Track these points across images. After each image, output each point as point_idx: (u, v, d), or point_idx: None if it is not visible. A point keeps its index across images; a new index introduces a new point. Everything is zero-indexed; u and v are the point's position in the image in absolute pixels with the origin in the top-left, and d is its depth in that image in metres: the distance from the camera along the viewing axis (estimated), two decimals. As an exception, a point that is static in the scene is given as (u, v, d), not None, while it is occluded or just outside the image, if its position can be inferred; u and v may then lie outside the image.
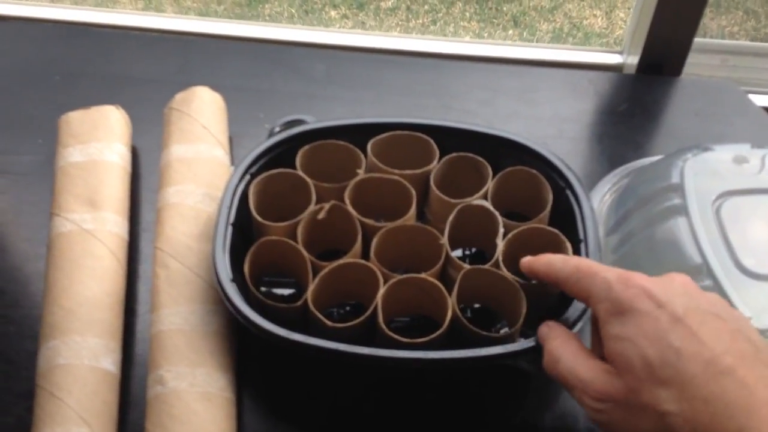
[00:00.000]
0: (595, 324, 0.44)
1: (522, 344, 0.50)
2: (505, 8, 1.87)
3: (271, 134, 0.63)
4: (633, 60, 0.88)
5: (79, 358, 0.50)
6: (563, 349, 0.44)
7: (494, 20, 1.85)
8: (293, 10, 1.85)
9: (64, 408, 0.48)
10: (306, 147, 0.61)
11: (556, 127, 0.73)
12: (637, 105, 0.75)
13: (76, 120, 0.64)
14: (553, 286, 0.49)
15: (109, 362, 0.52)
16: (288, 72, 0.77)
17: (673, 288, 0.41)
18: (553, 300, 0.55)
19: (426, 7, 1.87)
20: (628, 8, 1.86)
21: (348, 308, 0.58)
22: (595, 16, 1.86)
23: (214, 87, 0.68)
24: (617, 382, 0.40)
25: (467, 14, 1.86)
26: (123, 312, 0.56)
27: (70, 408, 0.48)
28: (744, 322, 0.40)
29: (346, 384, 0.55)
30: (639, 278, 0.42)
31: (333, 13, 1.85)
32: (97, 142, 0.62)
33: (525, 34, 1.82)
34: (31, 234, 0.62)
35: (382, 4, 1.87)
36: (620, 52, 0.92)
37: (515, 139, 0.62)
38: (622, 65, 0.90)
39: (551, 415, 0.54)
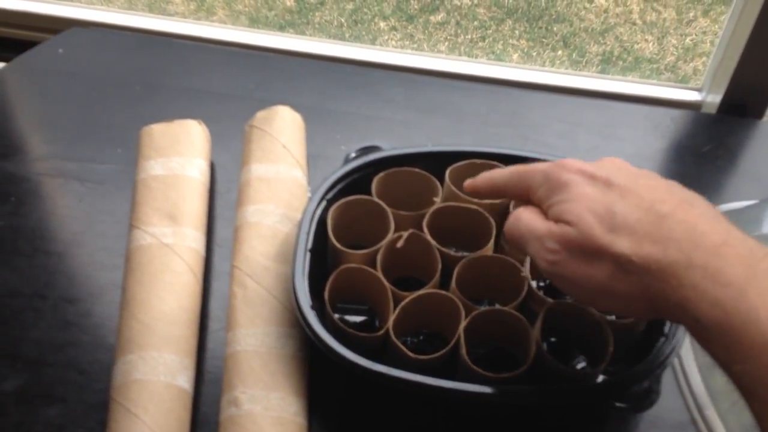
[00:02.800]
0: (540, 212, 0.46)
1: (617, 380, 0.49)
2: (555, 28, 1.86)
3: (347, 160, 0.63)
4: (713, 99, 0.86)
5: (156, 375, 0.50)
6: (525, 211, 0.46)
7: (544, 40, 1.84)
8: (343, 20, 1.86)
9: (140, 425, 0.47)
10: (382, 174, 0.60)
11: (636, 165, 0.71)
12: (721, 147, 0.74)
13: (158, 132, 0.64)
14: (640, 323, 0.50)
15: (184, 380, 0.52)
16: (365, 94, 0.77)
17: (605, 165, 0.44)
18: (637, 337, 0.54)
19: (475, 23, 1.86)
20: (681, 35, 1.83)
21: (422, 337, 0.57)
22: (646, 41, 1.84)
23: (293, 105, 0.68)
24: (572, 231, 0.42)
25: (517, 32, 1.85)
26: (198, 329, 0.56)
27: (145, 425, 0.47)
28: (675, 183, 0.44)
29: (418, 414, 0.54)
30: (571, 161, 0.45)
31: (382, 24, 1.85)
32: (178, 156, 0.62)
33: (574, 55, 1.80)
34: (107, 243, 0.62)
35: (432, 17, 1.87)
36: (699, 90, 0.90)
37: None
38: (701, 103, 0.89)
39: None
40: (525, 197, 0.47)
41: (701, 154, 0.73)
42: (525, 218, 0.45)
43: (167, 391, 0.50)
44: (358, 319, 0.57)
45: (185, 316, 0.54)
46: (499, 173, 0.50)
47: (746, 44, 0.77)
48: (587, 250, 0.41)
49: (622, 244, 0.40)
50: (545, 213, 0.45)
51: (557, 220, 0.43)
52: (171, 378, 0.50)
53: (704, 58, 1.79)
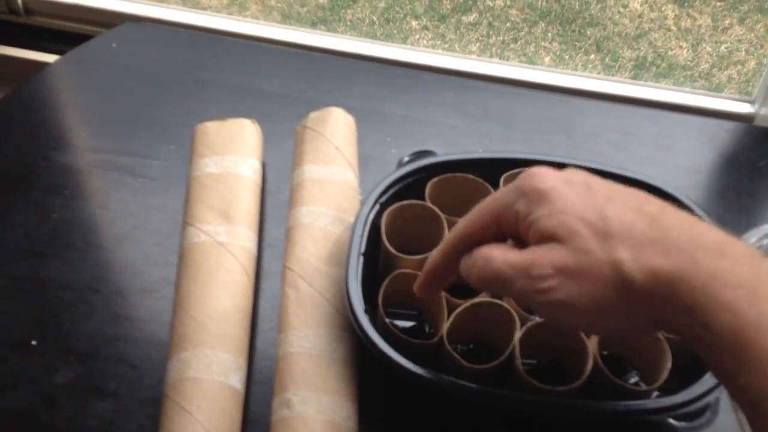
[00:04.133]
0: (518, 236, 0.41)
1: (676, 399, 0.48)
2: (588, 32, 1.85)
3: (401, 164, 0.62)
4: (766, 111, 0.85)
5: (209, 373, 0.50)
6: (492, 249, 0.41)
7: (576, 43, 1.82)
8: (375, 17, 1.85)
9: (193, 422, 0.47)
10: (436, 179, 0.60)
11: (691, 178, 0.70)
12: (776, 162, 0.73)
13: (212, 131, 0.64)
14: None
15: (237, 379, 0.51)
16: (416, 97, 0.77)
17: (574, 171, 0.41)
18: (691, 355, 0.53)
19: (508, 24, 1.86)
20: (716, 42, 1.81)
21: (471, 345, 0.56)
22: (680, 47, 1.82)
23: (342, 106, 0.68)
24: (563, 251, 0.38)
25: (549, 35, 1.84)
26: (250, 329, 0.56)
27: (198, 423, 0.47)
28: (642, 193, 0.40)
29: (467, 423, 0.54)
30: (541, 169, 0.41)
31: (414, 23, 1.85)
32: (232, 154, 0.62)
33: (607, 59, 1.79)
34: (159, 239, 0.62)
35: (464, 18, 1.87)
36: (751, 102, 0.89)
37: (654, 184, 0.60)
38: (753, 115, 0.87)
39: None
40: (500, 231, 0.42)
41: (757, 168, 0.72)
42: (497, 255, 0.40)
43: (220, 390, 0.50)
44: (408, 324, 0.57)
45: (239, 315, 0.54)
46: (445, 242, 0.45)
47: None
48: (584, 266, 0.37)
49: (622, 253, 0.37)
50: (526, 232, 0.40)
51: (541, 237, 0.39)
52: (224, 377, 0.50)
53: (739, 67, 1.77)
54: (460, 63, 0.90)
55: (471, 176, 0.60)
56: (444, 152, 0.63)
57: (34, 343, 0.56)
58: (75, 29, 0.91)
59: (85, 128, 0.72)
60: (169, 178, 0.67)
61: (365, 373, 0.54)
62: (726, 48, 1.82)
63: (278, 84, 0.77)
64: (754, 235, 0.65)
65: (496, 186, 0.59)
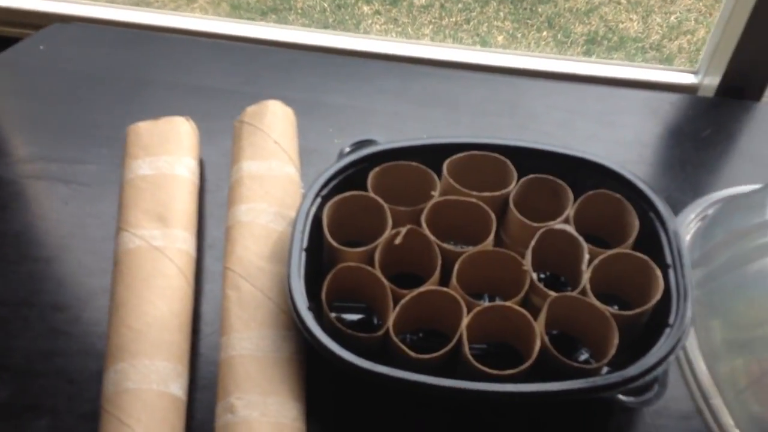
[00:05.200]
0: None
1: (625, 374, 0.48)
2: (540, 9, 1.85)
3: (341, 155, 0.61)
4: (710, 81, 0.85)
5: (148, 383, 0.48)
6: None
7: (528, 21, 1.83)
8: (326, 4, 1.84)
9: (133, 436, 0.46)
10: (377, 168, 0.59)
11: (636, 152, 0.70)
12: (722, 131, 0.72)
13: (145, 131, 0.62)
14: (644, 314, 0.47)
15: (177, 387, 0.50)
16: (359, 85, 0.75)
17: None
18: (639, 330, 0.52)
19: (459, 5, 1.85)
20: (666, 13, 1.82)
21: (421, 334, 0.55)
22: (631, 20, 1.84)
23: (283, 99, 0.66)
24: None
25: (501, 14, 1.84)
26: (190, 334, 0.54)
27: (138, 436, 0.46)
28: None
29: (420, 415, 0.53)
30: None
31: (366, 8, 1.84)
32: (167, 155, 0.61)
33: (559, 36, 1.80)
34: (94, 247, 0.60)
35: (416, 1, 1.86)
36: (695, 72, 0.89)
37: (596, 161, 0.59)
38: (697, 86, 0.87)
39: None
40: None
41: (701, 138, 0.71)
42: None
43: (160, 399, 0.48)
44: (356, 317, 0.56)
45: (177, 321, 0.52)
46: None
47: (745, 26, 0.75)
48: None
49: None
50: None
51: None
52: (164, 386, 0.49)
53: (689, 36, 1.78)
54: (405, 48, 0.89)
55: (413, 164, 0.59)
56: (387, 141, 0.62)
57: (-34, 361, 0.54)
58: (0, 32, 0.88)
59: (13, 136, 0.69)
60: (103, 182, 0.64)
61: (314, 370, 0.53)
62: (676, 18, 1.83)
63: (217, 79, 0.75)
64: (699, 205, 0.65)
65: (438, 172, 0.58)
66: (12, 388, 0.52)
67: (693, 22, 1.81)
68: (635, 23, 1.83)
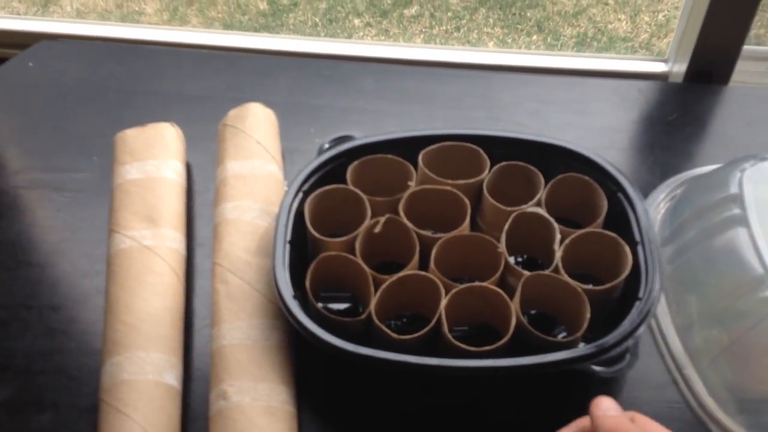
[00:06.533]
0: None
1: (598, 344, 0.50)
2: (528, 14, 1.86)
3: (321, 151, 0.64)
4: (679, 68, 0.87)
5: (143, 374, 0.51)
6: None
7: (518, 26, 1.84)
8: (317, 19, 1.86)
9: (130, 423, 0.48)
10: (356, 162, 0.61)
11: (607, 138, 0.72)
12: (688, 114, 0.75)
13: (132, 137, 0.65)
14: (615, 289, 0.49)
15: (172, 377, 0.52)
16: (338, 87, 0.78)
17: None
18: (612, 305, 0.55)
19: (449, 14, 1.87)
20: (653, 12, 1.84)
21: (405, 319, 0.58)
22: (619, 20, 1.85)
23: (265, 102, 0.69)
24: None
25: (491, 20, 1.86)
26: (183, 328, 0.56)
27: (136, 423, 0.48)
28: None
29: (406, 396, 0.55)
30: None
31: (357, 21, 1.85)
32: (153, 159, 0.63)
33: (549, 39, 1.81)
34: (88, 250, 0.63)
35: (406, 11, 1.88)
36: (665, 61, 0.91)
37: (564, 146, 0.62)
38: (667, 74, 0.90)
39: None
40: None
41: (669, 122, 0.74)
42: None
43: (156, 389, 0.51)
44: (342, 306, 0.58)
45: (170, 315, 0.55)
46: None
47: (707, 11, 0.78)
48: None
49: None
50: None
51: None
52: (159, 376, 0.51)
53: (677, 33, 1.80)
54: (380, 50, 0.91)
55: (390, 156, 0.61)
56: (364, 136, 0.64)
57: (-31, 363, 0.56)
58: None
59: (6, 149, 0.72)
60: (94, 189, 0.67)
61: (304, 357, 0.55)
62: (664, 16, 1.85)
63: (200, 87, 0.78)
64: (668, 186, 0.67)
65: (414, 164, 0.61)
66: (14, 386, 0.55)
67: None
68: (623, 23, 1.84)
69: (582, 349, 0.50)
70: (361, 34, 1.82)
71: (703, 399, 0.55)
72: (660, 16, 1.84)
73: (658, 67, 0.91)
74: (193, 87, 0.78)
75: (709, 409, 0.54)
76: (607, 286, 0.53)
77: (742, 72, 0.90)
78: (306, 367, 0.55)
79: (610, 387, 0.55)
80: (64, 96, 0.76)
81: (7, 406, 0.54)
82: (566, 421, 0.52)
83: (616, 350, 0.50)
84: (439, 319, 0.52)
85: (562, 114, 0.75)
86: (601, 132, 0.73)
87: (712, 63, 0.83)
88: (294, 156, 0.69)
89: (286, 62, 0.83)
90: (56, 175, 0.68)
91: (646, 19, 1.84)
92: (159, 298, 0.55)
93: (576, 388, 0.55)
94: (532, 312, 0.58)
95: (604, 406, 0.43)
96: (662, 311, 0.59)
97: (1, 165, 0.70)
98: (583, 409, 0.53)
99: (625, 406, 0.53)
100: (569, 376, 0.55)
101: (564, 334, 0.56)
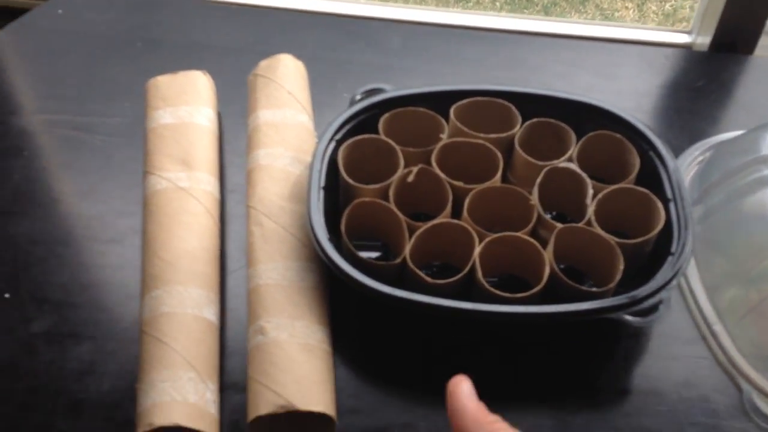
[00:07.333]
0: None
1: (632, 295, 0.51)
2: (536, -2, 1.87)
3: (353, 102, 0.64)
4: (702, 40, 0.88)
5: (183, 308, 0.51)
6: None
7: (525, 10, 1.84)
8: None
9: (171, 352, 0.49)
10: (388, 114, 0.61)
11: (634, 101, 0.73)
12: (714, 81, 0.75)
13: (164, 84, 0.65)
14: (648, 243, 0.50)
15: (211, 313, 0.53)
16: (364, 44, 0.78)
17: None
18: (642, 261, 0.56)
19: (456, -5, 1.87)
20: (660, 1, 1.84)
21: (434, 269, 0.58)
22: (626, 8, 1.85)
23: (292, 56, 0.69)
24: None
25: (498, 4, 1.86)
26: (219, 268, 0.57)
27: (177, 353, 0.49)
28: None
29: (436, 340, 0.56)
30: None
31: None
32: (186, 105, 0.63)
33: (555, 24, 1.82)
34: (121, 192, 0.63)
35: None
36: (689, 32, 0.92)
37: (597, 104, 0.62)
38: (691, 45, 0.90)
39: (638, 378, 0.55)
40: None
41: (695, 88, 0.75)
42: None
43: (195, 322, 0.51)
44: (373, 255, 0.59)
45: (206, 254, 0.56)
46: None
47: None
48: None
49: None
50: None
51: None
52: (198, 310, 0.52)
53: (684, 23, 1.80)
54: (405, 13, 0.92)
55: (422, 109, 0.62)
56: (395, 88, 0.64)
57: (7, 296, 0.57)
58: (14, 4, 0.90)
59: (39, 93, 0.72)
60: (127, 134, 0.67)
61: (336, 300, 0.56)
62: (671, 6, 1.85)
63: (227, 39, 0.78)
64: (696, 149, 0.68)
65: (447, 117, 0.61)
66: (53, 319, 0.56)
67: (688, 9, 1.82)
68: (631, 11, 1.84)
69: (617, 298, 0.51)
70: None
71: (732, 354, 0.55)
72: (667, 5, 1.84)
73: (682, 39, 0.91)
74: (221, 39, 0.78)
75: (738, 364, 0.55)
76: (641, 239, 0.54)
77: (764, 47, 0.91)
78: (337, 309, 0.56)
79: (638, 340, 0.56)
80: (93, 44, 0.77)
81: (46, 337, 0.54)
82: (594, 371, 0.54)
83: (651, 301, 0.51)
84: (473, 267, 0.53)
85: (589, 77, 0.75)
86: (629, 96, 0.74)
87: (736, 35, 0.84)
88: (322, 109, 0.70)
89: (312, 19, 0.84)
90: (89, 118, 0.69)
91: (653, 8, 1.84)
92: (195, 237, 0.56)
93: (606, 340, 0.56)
94: (561, 266, 0.58)
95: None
96: (691, 270, 0.60)
97: (33, 108, 0.70)
98: (612, 361, 0.55)
99: (655, 359, 0.55)
100: (598, 328, 0.56)
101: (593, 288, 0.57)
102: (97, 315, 0.56)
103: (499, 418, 0.40)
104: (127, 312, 0.56)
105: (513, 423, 0.38)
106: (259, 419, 0.48)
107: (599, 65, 0.77)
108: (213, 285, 0.55)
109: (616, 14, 1.83)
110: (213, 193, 0.60)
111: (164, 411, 0.47)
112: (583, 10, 1.84)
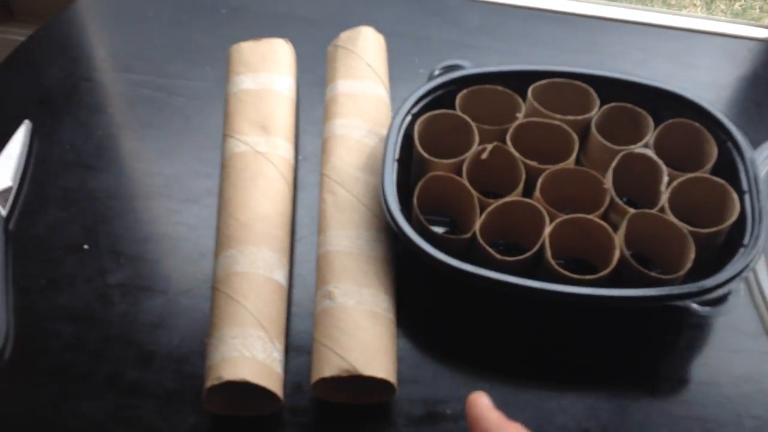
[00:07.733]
0: None
1: (702, 285, 0.51)
2: (602, -9, 1.84)
3: (431, 77, 0.64)
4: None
5: (255, 268, 0.53)
6: None
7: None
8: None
9: (242, 310, 0.50)
10: (466, 90, 0.62)
11: (713, 92, 0.72)
12: (798, 77, 0.74)
13: (247, 50, 0.66)
14: (721, 234, 0.49)
15: (281, 276, 0.54)
16: (442, 21, 0.78)
17: None
18: (712, 252, 0.55)
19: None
20: (730, 0, 1.80)
21: (500, 248, 0.59)
22: (694, 5, 1.81)
23: (372, 28, 0.70)
24: None
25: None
26: (291, 232, 0.58)
27: (247, 311, 0.50)
28: None
29: (498, 317, 0.56)
30: None
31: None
32: (267, 71, 0.65)
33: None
34: (200, 153, 0.65)
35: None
36: (769, 27, 0.90)
37: (676, 92, 0.62)
38: (773, 39, 0.88)
39: (699, 368, 0.55)
40: None
41: (778, 83, 0.73)
42: None
43: (266, 284, 0.53)
44: (441, 230, 0.59)
45: (280, 218, 0.57)
46: None
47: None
48: None
49: None
50: None
51: None
52: (269, 272, 0.53)
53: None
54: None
55: (500, 88, 0.62)
56: (474, 66, 0.65)
57: (86, 247, 0.59)
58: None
59: (122, 53, 0.74)
60: (207, 97, 0.69)
61: (402, 272, 0.57)
62: (740, 6, 1.81)
63: (310, 10, 0.79)
64: (774, 144, 0.67)
65: (524, 97, 0.61)
66: (129, 272, 0.58)
67: (758, 10, 1.78)
68: (698, 9, 1.81)
69: (687, 286, 0.51)
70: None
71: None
72: (736, 5, 1.80)
73: (763, 33, 0.89)
74: (303, 10, 0.79)
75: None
76: (715, 229, 0.53)
77: None
78: (403, 282, 0.57)
79: (701, 330, 0.56)
80: (179, 9, 0.78)
81: (121, 290, 0.57)
82: (656, 359, 0.54)
83: (720, 291, 0.51)
84: (542, 246, 0.53)
85: (667, 65, 0.74)
86: (707, 86, 0.73)
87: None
88: (397, 83, 0.70)
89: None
90: (171, 80, 0.70)
91: (722, 7, 1.80)
92: (270, 201, 0.57)
93: (670, 329, 0.56)
94: (629, 252, 0.58)
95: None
96: (759, 264, 0.59)
97: (116, 67, 0.72)
98: (673, 350, 0.55)
99: (717, 351, 0.54)
100: (662, 316, 0.56)
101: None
102: (170, 271, 0.58)
103: (520, 426, 0.42)
104: (198, 270, 0.57)
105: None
106: (323, 381, 0.49)
107: (677, 54, 0.76)
108: (284, 249, 0.56)
109: (684, 11, 1.80)
110: (289, 159, 0.61)
111: (233, 366, 0.48)
112: (648, 3, 1.81)
